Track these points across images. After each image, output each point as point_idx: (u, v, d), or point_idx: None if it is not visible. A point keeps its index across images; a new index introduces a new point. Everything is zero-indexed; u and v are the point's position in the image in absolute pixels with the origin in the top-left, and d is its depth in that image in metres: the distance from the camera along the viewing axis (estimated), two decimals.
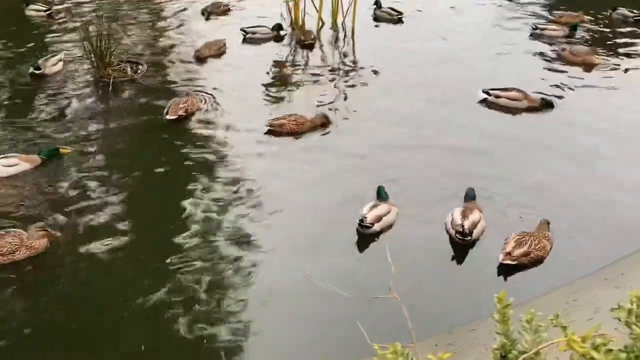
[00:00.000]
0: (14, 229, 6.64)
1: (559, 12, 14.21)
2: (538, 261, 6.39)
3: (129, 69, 11.09)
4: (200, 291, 5.95)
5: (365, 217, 6.83)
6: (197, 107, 9.87)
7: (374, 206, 7.03)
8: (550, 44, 12.42)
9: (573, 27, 13.16)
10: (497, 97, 9.78)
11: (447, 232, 6.86)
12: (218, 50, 11.98)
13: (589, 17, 13.95)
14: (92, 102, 10.28)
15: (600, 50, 11.90)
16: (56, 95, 10.34)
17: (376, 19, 14.20)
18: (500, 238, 6.55)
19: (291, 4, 13.34)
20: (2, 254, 6.35)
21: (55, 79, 10.79)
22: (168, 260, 6.33)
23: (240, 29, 12.89)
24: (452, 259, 6.58)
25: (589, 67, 11.28)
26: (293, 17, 13.47)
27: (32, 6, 14.86)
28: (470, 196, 7.09)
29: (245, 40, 12.84)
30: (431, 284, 6.05)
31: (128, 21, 14.27)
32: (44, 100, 10.13)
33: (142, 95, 10.44)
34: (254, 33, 12.89)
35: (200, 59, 11.73)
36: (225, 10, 14.67)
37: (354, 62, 11.99)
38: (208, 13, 14.47)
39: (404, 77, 10.79)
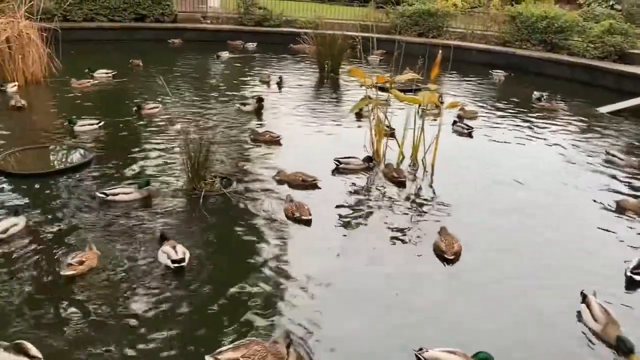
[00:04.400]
0: (250, 339, 6.48)
1: None
2: None
3: (220, 183, 11.61)
4: None
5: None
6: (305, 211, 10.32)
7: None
8: None
9: None
10: None
11: None
12: (296, 180, 12.05)
13: None
14: (186, 212, 10.62)
15: None
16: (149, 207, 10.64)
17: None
18: None
19: (375, 137, 13.91)
20: None
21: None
22: None
23: (334, 159, 13.30)
24: None
25: None
26: (375, 149, 13.97)
27: (80, 122, 14.67)
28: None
29: (336, 170, 13.17)
30: None
31: (221, 137, 15.12)
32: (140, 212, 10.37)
33: (231, 208, 10.81)
34: (347, 164, 13.23)
35: (281, 182, 12.09)
36: (273, 141, 14.74)
37: (434, 201, 11.90)
38: (253, 140, 14.83)
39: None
